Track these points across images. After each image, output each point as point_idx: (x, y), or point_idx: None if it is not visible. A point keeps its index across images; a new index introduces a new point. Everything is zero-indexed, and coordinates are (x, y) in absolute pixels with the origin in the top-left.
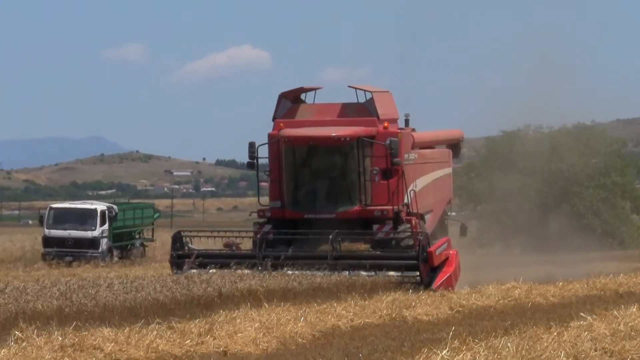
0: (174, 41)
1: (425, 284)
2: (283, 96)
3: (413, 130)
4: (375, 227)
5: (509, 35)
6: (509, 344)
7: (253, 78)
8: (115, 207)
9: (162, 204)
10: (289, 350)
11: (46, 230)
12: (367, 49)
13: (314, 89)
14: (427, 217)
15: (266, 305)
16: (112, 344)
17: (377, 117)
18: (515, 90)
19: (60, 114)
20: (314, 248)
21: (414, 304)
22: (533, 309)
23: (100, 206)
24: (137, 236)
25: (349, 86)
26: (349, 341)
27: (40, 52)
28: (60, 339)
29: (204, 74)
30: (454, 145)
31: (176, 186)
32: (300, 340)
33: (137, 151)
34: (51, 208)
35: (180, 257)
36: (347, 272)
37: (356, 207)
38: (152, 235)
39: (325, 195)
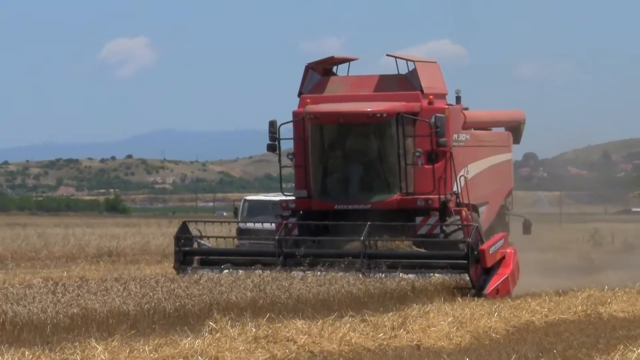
0: (371, 34)
1: (477, 288)
2: (310, 67)
3: (465, 109)
4: (418, 219)
5: None
6: None
7: (449, 72)
8: None
9: None
10: (483, 345)
11: (240, 223)
12: (560, 42)
13: (348, 60)
14: (482, 209)
15: (459, 300)
16: (305, 336)
17: (421, 90)
18: None
19: (257, 106)
20: (345, 244)
21: (609, 300)
22: None
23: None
24: None
25: (388, 55)
26: (543, 337)
27: (238, 43)
28: (254, 330)
29: (399, 68)
30: (515, 129)
31: None
32: (493, 335)
33: None
34: (245, 200)
35: (187, 254)
36: (382, 273)
37: (395, 196)
38: None
39: (359, 182)
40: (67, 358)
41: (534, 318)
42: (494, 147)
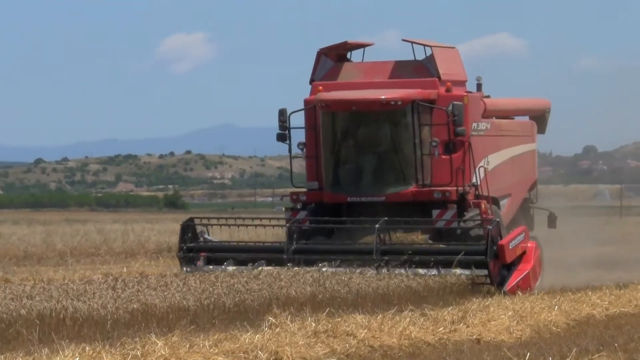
0: (427, 27)
1: (496, 285)
2: (323, 53)
3: (487, 96)
4: (435, 212)
5: None
6: None
7: (507, 66)
8: None
9: None
10: (543, 338)
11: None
12: (618, 36)
13: (363, 46)
14: (503, 202)
15: (519, 294)
16: (365, 331)
17: (438, 77)
18: None
19: None
20: (359, 239)
21: None
22: None
23: None
24: None
25: (404, 40)
26: (603, 330)
27: (298, 38)
28: (314, 325)
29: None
30: (539, 118)
31: None
32: (554, 328)
33: None
34: None
35: (191, 250)
36: (388, 269)
37: (411, 188)
38: None
39: (373, 174)
40: (128, 353)
41: (595, 311)
42: (517, 137)
